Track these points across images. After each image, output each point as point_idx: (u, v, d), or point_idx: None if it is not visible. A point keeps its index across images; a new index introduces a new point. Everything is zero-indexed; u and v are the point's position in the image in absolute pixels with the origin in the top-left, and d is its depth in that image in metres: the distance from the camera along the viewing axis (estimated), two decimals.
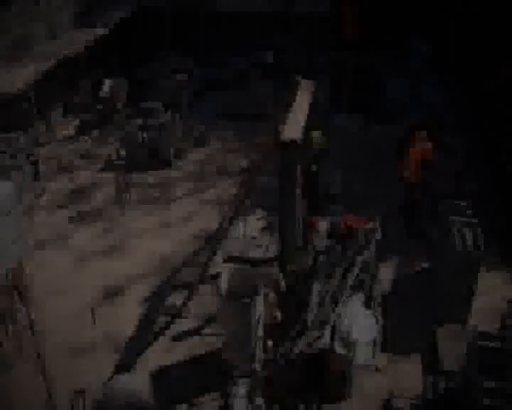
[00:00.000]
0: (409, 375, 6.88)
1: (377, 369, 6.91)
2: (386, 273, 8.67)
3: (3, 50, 11.94)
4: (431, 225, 9.09)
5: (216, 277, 7.52)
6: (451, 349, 6.71)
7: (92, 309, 6.74)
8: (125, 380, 6.22)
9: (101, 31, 14.63)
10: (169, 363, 7.13)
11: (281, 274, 6.78)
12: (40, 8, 13.34)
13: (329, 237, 8.52)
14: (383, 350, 7.20)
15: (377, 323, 7.06)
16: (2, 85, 10.82)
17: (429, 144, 8.98)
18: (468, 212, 8.12)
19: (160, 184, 11.44)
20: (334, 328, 6.48)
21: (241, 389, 6.07)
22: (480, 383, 5.50)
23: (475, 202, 8.44)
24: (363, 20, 14.51)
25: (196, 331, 7.62)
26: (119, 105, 14.34)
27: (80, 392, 5.99)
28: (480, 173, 10.73)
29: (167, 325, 7.70)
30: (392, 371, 6.97)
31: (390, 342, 7.30)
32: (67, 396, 5.97)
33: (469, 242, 7.52)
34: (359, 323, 6.63)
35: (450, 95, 13.04)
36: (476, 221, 7.90)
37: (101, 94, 14.19)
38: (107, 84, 14.36)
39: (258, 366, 6.03)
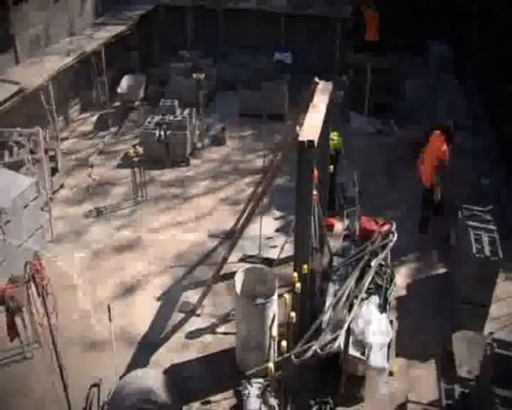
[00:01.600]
0: (423, 380, 6.84)
1: (391, 373, 6.88)
2: (402, 277, 8.63)
3: (24, 46, 12.07)
4: (450, 230, 9.03)
5: (231, 276, 7.54)
6: (467, 356, 6.67)
7: (108, 305, 6.78)
8: (139, 376, 6.27)
9: (120, 28, 14.71)
10: (183, 360, 7.17)
11: (296, 275, 6.76)
12: (60, 5, 13.47)
13: (345, 238, 8.51)
14: (398, 354, 7.17)
15: (392, 326, 7.02)
16: (22, 81, 10.93)
17: (444, 145, 8.90)
18: (486, 217, 8.05)
19: (177, 182, 11.49)
20: (348, 330, 6.45)
21: (254, 389, 6.08)
22: (495, 391, 5.46)
23: (493, 206, 8.34)
24: (383, 22, 14.47)
25: (211, 330, 7.64)
26: (137, 102, 14.44)
27: (95, 386, 6.02)
28: (498, 177, 10.59)
29: (182, 323, 7.74)
30: (406, 376, 6.93)
31: (405, 347, 7.27)
32: (82, 390, 6.01)
33: (487, 247, 7.45)
34: (374, 326, 6.60)
35: (469, 96, 12.91)
36: (494, 227, 7.83)
37: (120, 91, 14.30)
38: (125, 81, 14.47)
39: (272, 367, 6.01)
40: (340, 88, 13.22)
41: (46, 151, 10.37)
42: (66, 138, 13.15)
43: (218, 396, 6.62)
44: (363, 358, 6.46)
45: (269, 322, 6.71)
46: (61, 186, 11.11)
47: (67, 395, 5.79)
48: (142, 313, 7.94)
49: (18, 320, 7.14)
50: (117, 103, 14.29)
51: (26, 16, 12.06)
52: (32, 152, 9.95)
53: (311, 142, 6.43)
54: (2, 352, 7.13)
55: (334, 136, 9.89)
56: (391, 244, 7.29)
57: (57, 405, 5.96)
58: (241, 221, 8.47)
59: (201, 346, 7.41)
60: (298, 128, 7.30)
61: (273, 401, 6.02)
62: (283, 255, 8.39)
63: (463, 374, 6.42)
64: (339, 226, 9.48)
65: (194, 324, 7.76)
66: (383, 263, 7.46)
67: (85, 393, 5.91)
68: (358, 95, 13.48)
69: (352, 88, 13.94)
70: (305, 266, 6.78)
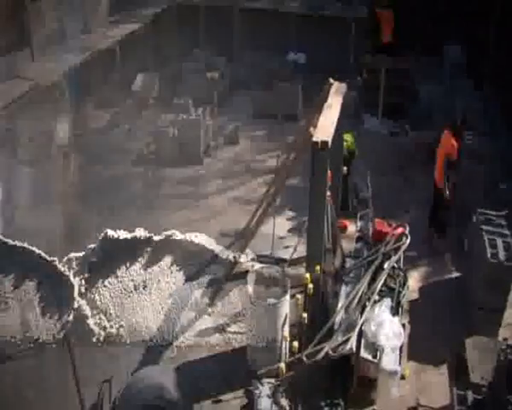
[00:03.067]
0: (435, 385, 6.79)
1: (403, 376, 6.83)
2: (415, 280, 8.57)
3: (39, 43, 12.17)
4: (464, 235, 8.97)
5: (243, 275, 7.54)
6: (480, 362, 6.61)
7: (121, 301, 6.83)
8: (150, 373, 6.29)
9: (134, 26, 14.79)
10: (194, 359, 7.17)
11: (308, 275, 6.74)
12: (75, 3, 13.56)
13: (358, 240, 8.47)
14: (409, 358, 7.12)
15: (404, 330, 6.98)
16: (37, 77, 11.03)
17: (452, 140, 8.88)
18: (501, 222, 7.98)
19: (190, 181, 11.50)
20: (360, 332, 6.42)
21: (265, 389, 6.08)
22: (509, 398, 5.40)
23: (508, 211, 8.27)
24: (399, 23, 14.39)
25: (222, 329, 7.64)
26: (151, 100, 14.48)
27: (106, 382, 6.05)
28: None
29: (193, 321, 7.74)
30: (418, 380, 6.88)
31: (417, 351, 7.22)
32: (94, 385, 6.04)
33: (501, 252, 7.38)
34: (386, 329, 6.56)
35: (486, 100, 12.80)
36: (509, 232, 7.76)
37: (134, 88, 14.35)
38: (139, 79, 14.52)
39: (283, 367, 6.01)
40: (354, 89, 13.15)
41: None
42: (81, 135, 13.21)
43: (229, 395, 6.61)
44: (375, 360, 6.42)
45: (280, 322, 6.69)
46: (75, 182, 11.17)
47: (79, 389, 5.81)
48: (153, 310, 7.95)
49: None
50: (130, 101, 14.35)
51: (41, 14, 12.15)
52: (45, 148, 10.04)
53: (325, 142, 6.43)
54: (17, 345, 7.17)
55: (347, 137, 9.86)
56: (404, 247, 7.26)
57: (69, 399, 5.98)
58: (254, 221, 8.47)
59: (212, 345, 7.41)
60: (312, 129, 7.29)
61: (284, 402, 6.01)
62: (296, 256, 8.37)
63: (476, 380, 6.35)
64: (352, 228, 9.44)
65: (206, 322, 7.75)
66: (396, 266, 7.42)
67: (97, 388, 5.94)
68: (372, 96, 13.43)
69: (366, 89, 13.89)
70: (318, 267, 6.77)
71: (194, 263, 8.62)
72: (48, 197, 9.19)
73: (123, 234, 8.50)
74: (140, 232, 8.73)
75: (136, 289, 8.08)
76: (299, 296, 6.86)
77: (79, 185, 11.14)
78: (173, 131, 12.02)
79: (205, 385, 6.75)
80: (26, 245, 7.65)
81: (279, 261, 8.49)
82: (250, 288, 6.90)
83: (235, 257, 7.98)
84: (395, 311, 6.94)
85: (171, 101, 13.08)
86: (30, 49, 11.90)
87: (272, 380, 6.18)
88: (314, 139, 6.49)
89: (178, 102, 12.75)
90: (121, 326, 7.50)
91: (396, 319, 6.75)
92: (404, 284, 7.47)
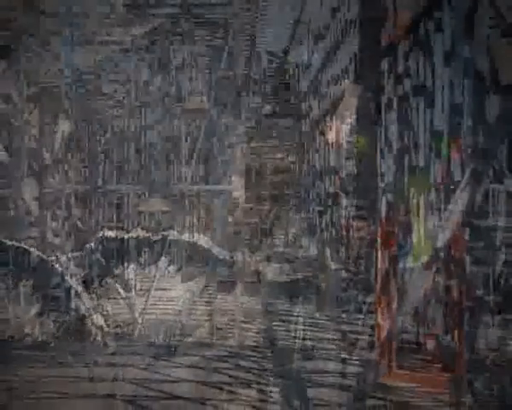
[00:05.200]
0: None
1: None
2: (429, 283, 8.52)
3: (51, 43, 12.25)
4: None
5: (257, 274, 7.58)
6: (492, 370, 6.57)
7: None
8: (165, 366, 6.33)
9: (149, 25, 14.81)
10: (209, 353, 7.21)
11: (322, 275, 6.77)
12: (92, 2, 13.62)
13: (372, 242, 8.46)
14: None
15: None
16: (48, 77, 11.13)
17: (459, 140, 8.93)
18: None
19: (203, 179, 11.51)
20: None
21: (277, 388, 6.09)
22: None
23: None
24: (411, 26, 14.31)
25: (237, 326, 7.66)
26: (165, 99, 14.50)
27: (119, 380, 6.09)
28: None
29: (207, 318, 7.79)
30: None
31: None
32: (108, 380, 6.10)
33: None
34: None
35: (505, 102, 12.71)
36: None
37: (148, 88, 14.38)
38: (154, 79, 14.54)
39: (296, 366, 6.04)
40: (369, 91, 13.09)
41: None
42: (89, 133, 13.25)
43: (244, 390, 6.61)
44: None
45: (294, 321, 6.72)
46: None
47: (93, 384, 5.87)
48: (169, 305, 8.01)
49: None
50: (145, 100, 14.38)
51: (53, 14, 12.22)
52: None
53: (338, 143, 6.47)
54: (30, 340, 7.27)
55: (360, 138, 9.85)
56: None
57: (82, 395, 6.05)
58: (269, 220, 8.51)
59: (227, 341, 7.45)
60: (325, 129, 7.34)
61: (296, 402, 6.02)
62: (309, 255, 8.38)
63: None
64: (366, 229, 9.43)
65: (220, 319, 7.80)
66: (410, 267, 7.39)
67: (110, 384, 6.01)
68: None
69: (381, 91, 13.82)
70: (331, 268, 6.79)
71: (194, 262, 8.66)
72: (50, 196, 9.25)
73: (120, 234, 8.53)
74: (137, 232, 8.74)
75: (133, 289, 8.13)
76: (312, 296, 6.87)
77: (86, 183, 11.20)
78: (188, 130, 12.05)
79: (220, 379, 6.75)
80: (23, 245, 7.72)
81: (293, 261, 8.51)
82: (264, 286, 6.94)
83: (232, 257, 8.03)
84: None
85: (185, 100, 13.10)
86: (40, 49, 11.97)
87: (285, 379, 6.19)
88: (327, 140, 6.53)
89: (193, 101, 12.77)
90: (118, 326, 7.56)
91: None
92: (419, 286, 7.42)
